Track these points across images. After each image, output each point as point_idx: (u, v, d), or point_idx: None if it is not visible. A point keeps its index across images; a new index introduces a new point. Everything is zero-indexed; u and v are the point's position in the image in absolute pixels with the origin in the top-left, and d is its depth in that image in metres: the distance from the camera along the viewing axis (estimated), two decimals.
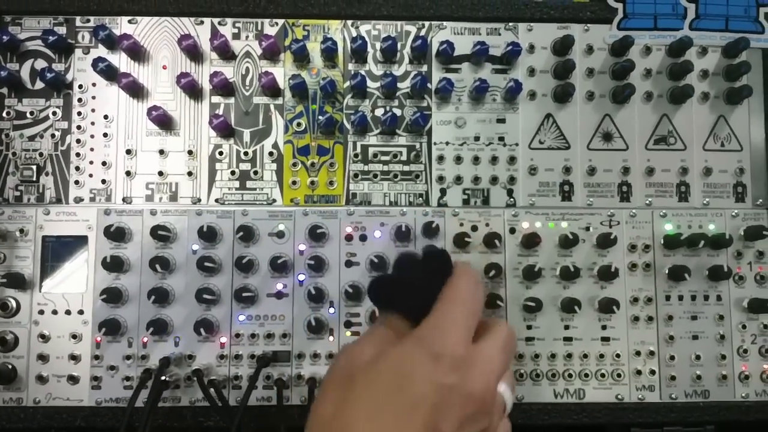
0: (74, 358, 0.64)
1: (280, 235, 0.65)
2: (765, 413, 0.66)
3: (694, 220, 0.67)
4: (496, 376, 0.44)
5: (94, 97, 0.66)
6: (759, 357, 0.66)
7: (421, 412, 0.40)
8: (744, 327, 0.66)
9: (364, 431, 0.40)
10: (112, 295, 0.63)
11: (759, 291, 0.67)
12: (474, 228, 0.66)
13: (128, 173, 0.66)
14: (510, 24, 0.68)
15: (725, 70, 0.68)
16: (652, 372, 0.66)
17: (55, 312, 0.64)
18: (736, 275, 0.67)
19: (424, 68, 0.68)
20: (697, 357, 0.66)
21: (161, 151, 0.66)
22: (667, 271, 0.66)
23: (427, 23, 0.68)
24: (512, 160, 0.67)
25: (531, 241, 0.65)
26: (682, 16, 0.69)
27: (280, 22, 0.68)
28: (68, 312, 0.64)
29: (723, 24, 0.69)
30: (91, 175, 0.66)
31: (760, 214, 0.68)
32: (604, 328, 0.66)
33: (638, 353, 0.66)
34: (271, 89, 0.66)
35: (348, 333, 0.65)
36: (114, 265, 0.63)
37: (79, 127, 0.66)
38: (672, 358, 0.66)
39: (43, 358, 0.64)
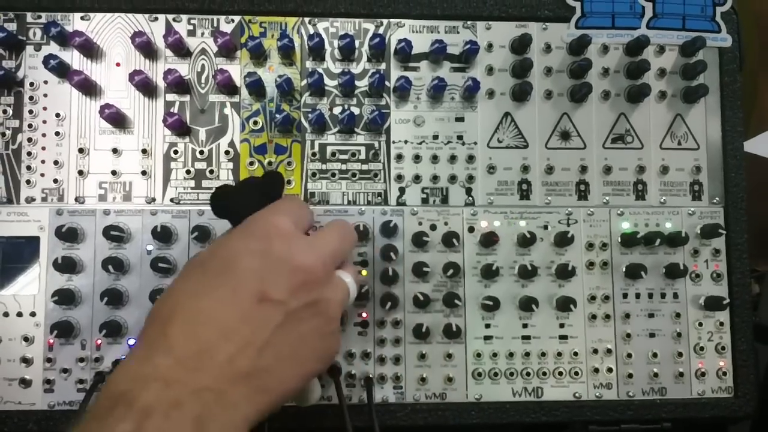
0: (26, 361, 0.63)
1: None
2: (721, 410, 0.66)
3: (651, 218, 0.68)
4: (328, 255, 0.50)
5: (45, 95, 0.65)
6: (715, 354, 0.67)
7: (248, 284, 0.45)
8: (700, 324, 0.67)
9: (189, 308, 0.44)
10: (65, 297, 0.62)
11: (715, 288, 0.67)
12: (433, 227, 0.66)
13: (81, 172, 0.65)
14: (468, 22, 0.68)
15: (682, 69, 0.69)
16: (610, 370, 0.66)
17: (6, 314, 0.63)
18: (693, 273, 0.67)
19: (383, 66, 0.68)
20: (654, 355, 0.66)
21: (115, 150, 0.65)
22: (624, 269, 0.66)
23: (385, 21, 0.68)
24: (471, 158, 0.67)
25: (489, 240, 0.65)
26: (639, 15, 0.69)
27: (237, 18, 0.67)
28: (20, 314, 0.63)
29: (680, 23, 0.69)
30: (42, 175, 0.64)
31: (717, 213, 0.68)
32: (561, 326, 0.66)
33: (596, 351, 0.66)
34: (227, 87, 0.65)
35: None
36: (66, 266, 0.62)
37: (30, 126, 0.65)
38: (629, 356, 0.66)
39: None
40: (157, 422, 0.38)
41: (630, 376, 0.66)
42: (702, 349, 0.67)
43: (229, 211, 0.53)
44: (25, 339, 0.63)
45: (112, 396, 0.40)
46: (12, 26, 0.65)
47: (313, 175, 0.66)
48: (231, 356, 0.43)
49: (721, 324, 0.67)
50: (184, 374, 0.41)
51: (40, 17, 0.66)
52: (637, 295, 0.67)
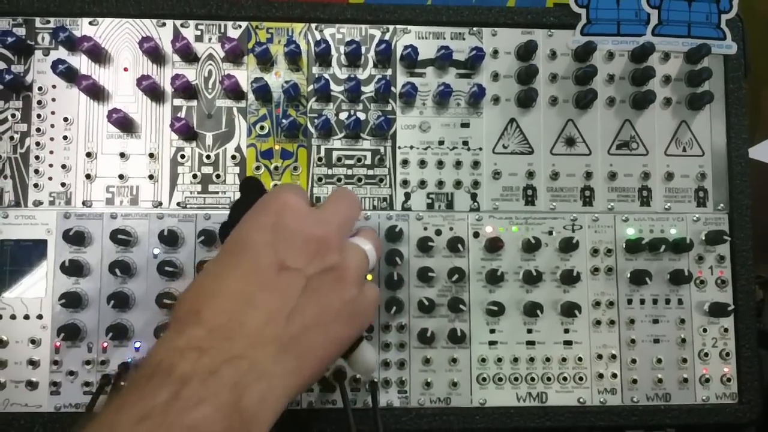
0: (33, 363, 0.63)
1: None
2: (726, 416, 0.66)
3: (656, 224, 0.68)
4: (338, 223, 0.51)
5: (54, 100, 0.66)
6: (720, 360, 0.67)
7: (265, 256, 0.46)
8: (705, 330, 0.67)
9: (214, 287, 0.46)
10: (72, 300, 0.62)
11: (720, 295, 0.67)
12: (438, 232, 0.66)
13: (88, 176, 0.65)
14: (474, 29, 0.68)
15: (687, 76, 0.69)
16: (614, 375, 0.66)
17: (13, 317, 0.63)
18: (697, 279, 0.67)
19: (389, 72, 0.68)
20: (659, 360, 0.66)
21: (122, 154, 0.65)
22: (628, 275, 0.67)
23: (391, 27, 0.68)
24: (476, 164, 0.67)
25: (494, 245, 0.65)
26: (645, 22, 0.69)
27: (244, 24, 0.67)
28: (27, 317, 0.63)
29: (685, 30, 0.69)
30: (50, 178, 0.65)
31: (721, 219, 0.68)
32: (566, 331, 0.66)
33: (600, 357, 0.66)
34: (234, 92, 0.66)
35: None
36: (73, 269, 0.62)
37: (38, 130, 0.65)
38: (634, 361, 0.66)
39: (1, 363, 0.63)
40: (195, 388, 0.39)
41: (634, 381, 0.66)
42: (706, 355, 0.67)
43: (226, 235, 0.54)
44: (32, 341, 0.63)
45: (149, 366, 0.41)
46: (21, 31, 0.66)
47: (319, 179, 0.67)
48: (260, 324, 0.44)
49: (726, 330, 0.67)
50: (218, 343, 0.42)
51: (48, 22, 0.66)
52: (642, 301, 0.67)
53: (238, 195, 0.65)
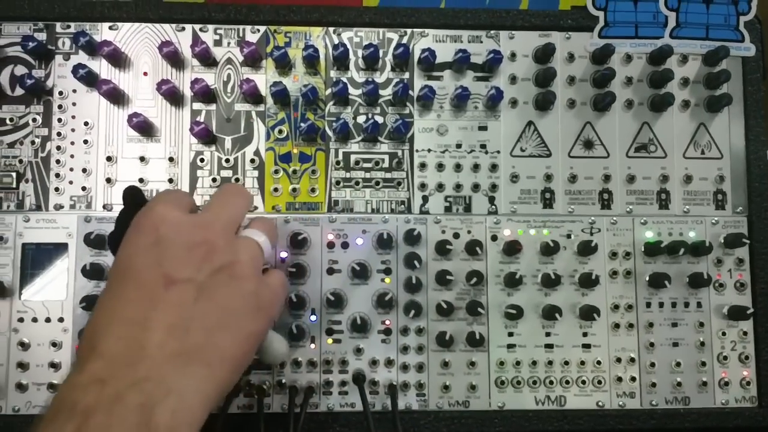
0: (54, 366, 0.63)
1: None
2: (744, 419, 0.66)
3: (675, 227, 0.68)
4: (222, 221, 0.51)
5: (74, 104, 0.66)
6: (739, 364, 0.67)
7: (149, 274, 0.46)
8: (724, 334, 0.67)
9: (106, 318, 0.46)
10: (93, 303, 0.62)
11: (739, 298, 0.67)
12: (456, 235, 0.66)
13: (108, 180, 0.65)
14: (491, 32, 0.68)
15: (705, 79, 0.69)
16: (633, 379, 0.66)
17: (35, 320, 0.64)
18: (716, 282, 0.67)
19: (406, 76, 0.68)
20: (678, 364, 0.66)
21: (142, 158, 0.66)
22: (647, 279, 0.66)
23: (408, 31, 0.68)
24: (494, 167, 0.67)
25: (512, 249, 0.65)
26: (663, 24, 0.69)
27: (262, 28, 0.68)
28: (48, 320, 0.64)
29: (703, 32, 0.69)
30: (71, 182, 0.65)
31: (740, 222, 0.68)
32: (585, 335, 0.66)
33: (619, 360, 0.66)
34: (253, 96, 0.66)
35: (329, 340, 0.65)
36: (94, 272, 0.63)
37: (59, 134, 0.66)
38: (652, 365, 0.66)
39: (22, 366, 0.63)
40: (100, 419, 0.39)
41: (653, 385, 0.66)
42: (725, 358, 0.66)
43: (115, 245, 0.54)
44: (53, 344, 0.64)
45: (53, 407, 0.41)
46: (42, 36, 0.66)
47: (337, 183, 0.67)
48: (160, 343, 0.44)
49: (745, 333, 0.67)
50: (119, 371, 0.42)
51: (69, 27, 0.67)
52: (661, 304, 0.67)
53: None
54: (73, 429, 0.38)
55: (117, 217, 0.56)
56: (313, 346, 0.65)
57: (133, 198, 0.55)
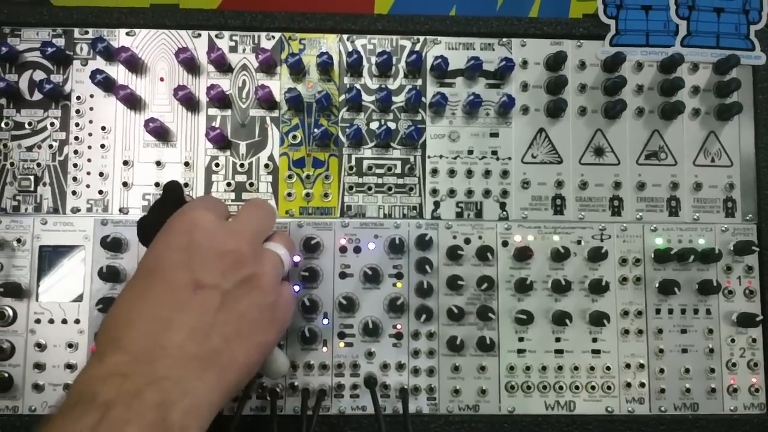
0: (70, 367, 0.64)
1: None
2: (754, 426, 0.67)
3: (685, 234, 0.68)
4: (251, 233, 0.53)
5: (91, 109, 0.67)
6: (747, 370, 0.67)
7: (179, 276, 0.48)
8: (733, 341, 0.67)
9: (131, 313, 0.47)
10: (109, 305, 0.63)
11: (748, 305, 0.68)
12: (467, 241, 0.67)
13: (125, 184, 0.66)
14: (504, 39, 0.69)
15: (716, 87, 0.69)
16: (642, 384, 0.66)
17: (51, 321, 0.65)
18: (726, 289, 0.68)
19: (419, 82, 0.69)
20: (687, 370, 0.66)
21: (158, 163, 0.67)
22: (657, 285, 0.67)
23: (421, 38, 0.69)
24: (505, 173, 0.68)
25: (523, 254, 0.66)
26: (673, 32, 0.70)
27: (277, 35, 0.69)
28: (64, 321, 0.65)
29: (714, 41, 0.70)
30: (88, 186, 0.66)
31: (750, 229, 0.69)
32: (594, 340, 0.67)
33: (628, 366, 0.66)
34: (268, 102, 0.67)
35: (341, 344, 0.65)
36: (110, 275, 0.64)
37: (76, 138, 0.67)
38: (662, 371, 0.66)
39: (39, 366, 0.64)
40: (120, 412, 0.40)
41: (662, 391, 0.66)
42: (734, 365, 0.67)
43: (146, 238, 0.56)
44: (69, 345, 0.64)
45: (72, 396, 0.42)
46: (60, 42, 0.67)
47: (350, 188, 0.68)
48: (180, 345, 0.45)
49: (754, 341, 0.67)
50: (140, 367, 0.43)
51: (87, 33, 0.68)
52: (670, 311, 0.67)
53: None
54: (93, 420, 0.40)
55: (151, 206, 0.59)
56: (325, 349, 0.65)
57: (173, 193, 0.57)
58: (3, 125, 0.66)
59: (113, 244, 0.64)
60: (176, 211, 0.53)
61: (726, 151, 0.69)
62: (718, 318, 0.67)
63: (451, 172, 0.68)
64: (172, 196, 0.57)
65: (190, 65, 0.67)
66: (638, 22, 0.69)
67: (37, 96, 0.67)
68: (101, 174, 0.66)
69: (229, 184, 0.67)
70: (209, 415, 0.46)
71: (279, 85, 0.68)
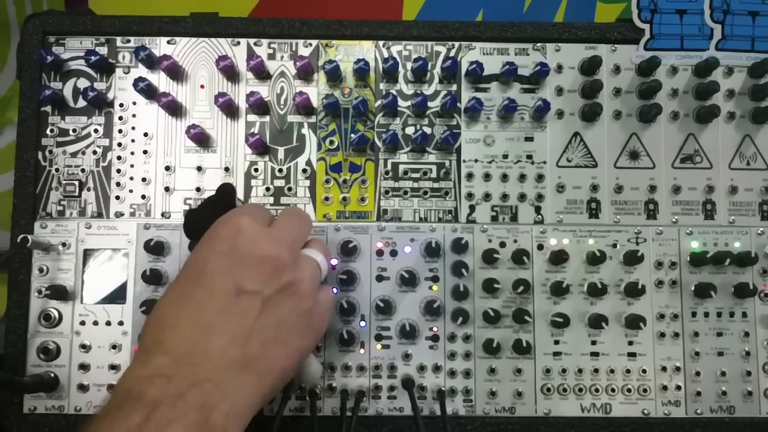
0: (114, 367, 0.66)
1: None
2: None
3: (720, 238, 0.68)
4: (290, 240, 0.54)
5: (134, 116, 0.69)
6: None
7: (222, 282, 0.49)
8: None
9: (174, 316, 0.48)
10: (152, 307, 0.65)
11: None
12: (502, 244, 0.68)
13: (167, 189, 0.68)
14: (538, 45, 0.70)
15: (751, 90, 0.69)
16: (678, 387, 0.66)
17: (95, 323, 0.66)
18: (762, 293, 0.68)
19: (454, 88, 0.70)
20: (723, 373, 0.67)
21: (199, 168, 0.68)
22: (693, 288, 0.67)
23: (456, 44, 0.70)
24: (540, 177, 0.69)
25: (559, 258, 0.66)
26: (708, 36, 0.70)
27: (314, 43, 0.70)
28: (108, 323, 0.66)
29: (749, 45, 0.70)
30: (131, 191, 0.68)
31: None
32: (630, 343, 0.67)
33: (664, 369, 0.67)
34: (305, 108, 0.68)
35: (378, 346, 0.66)
36: (153, 278, 0.65)
37: (119, 144, 0.68)
38: (698, 374, 0.66)
39: (84, 367, 0.66)
40: (165, 411, 0.42)
41: (698, 394, 0.66)
42: None
43: (191, 232, 0.58)
44: (113, 347, 0.66)
45: (119, 395, 0.44)
46: (103, 50, 0.69)
47: (386, 192, 0.69)
48: (222, 349, 0.47)
49: None
50: (183, 369, 0.45)
51: (129, 41, 0.69)
52: (706, 314, 0.67)
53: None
54: (139, 419, 0.41)
55: (203, 202, 0.61)
56: (362, 351, 0.66)
57: (226, 195, 0.59)
58: (48, 132, 0.68)
59: (156, 248, 0.65)
60: (222, 216, 0.54)
61: (761, 155, 0.69)
62: (754, 321, 0.67)
63: (486, 176, 0.69)
64: (224, 198, 0.58)
65: (230, 73, 0.68)
66: (673, 27, 0.70)
67: (81, 103, 0.68)
68: (144, 179, 0.68)
69: (267, 189, 0.68)
70: (248, 418, 0.47)
71: (316, 91, 0.69)
